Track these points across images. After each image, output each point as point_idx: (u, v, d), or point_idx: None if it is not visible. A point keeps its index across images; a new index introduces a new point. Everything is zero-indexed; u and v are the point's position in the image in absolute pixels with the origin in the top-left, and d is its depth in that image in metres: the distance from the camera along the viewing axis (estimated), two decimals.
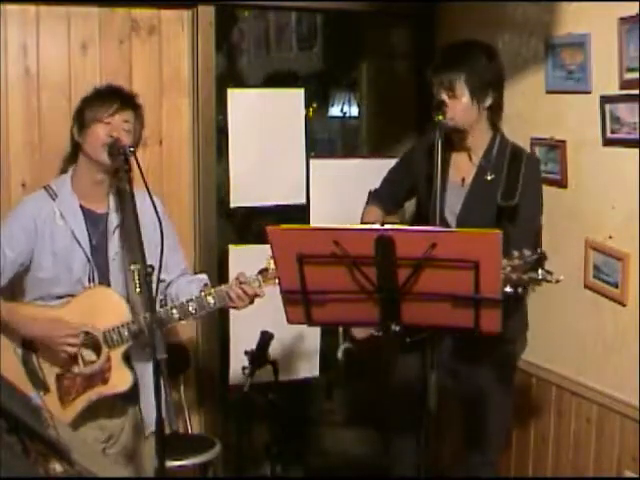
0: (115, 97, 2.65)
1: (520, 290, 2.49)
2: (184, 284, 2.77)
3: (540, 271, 2.40)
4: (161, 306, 2.62)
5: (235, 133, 3.43)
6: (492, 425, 2.94)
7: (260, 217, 3.66)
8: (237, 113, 3.42)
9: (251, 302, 2.66)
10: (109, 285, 2.65)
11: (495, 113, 2.84)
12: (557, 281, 2.44)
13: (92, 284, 2.64)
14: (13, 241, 2.60)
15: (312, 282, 2.20)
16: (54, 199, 2.65)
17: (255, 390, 2.96)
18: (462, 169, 2.86)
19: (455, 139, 2.83)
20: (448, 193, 2.82)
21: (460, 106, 2.72)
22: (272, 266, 2.42)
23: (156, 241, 2.36)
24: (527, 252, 2.42)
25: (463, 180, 2.86)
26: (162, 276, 2.76)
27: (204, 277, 2.83)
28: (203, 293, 2.63)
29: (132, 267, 2.53)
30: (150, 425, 2.46)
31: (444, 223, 2.76)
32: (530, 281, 2.44)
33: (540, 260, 2.41)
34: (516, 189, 2.74)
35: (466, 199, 2.82)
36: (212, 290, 2.64)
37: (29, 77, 3.13)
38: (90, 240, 2.65)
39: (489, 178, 2.79)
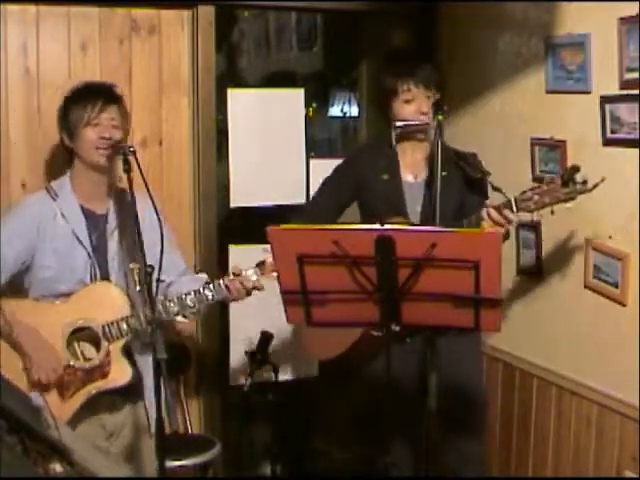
0: (97, 95, 2.63)
1: (535, 218, 2.60)
2: (186, 282, 2.77)
3: (577, 184, 2.52)
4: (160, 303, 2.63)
5: (235, 133, 3.43)
6: (472, 415, 2.96)
7: (260, 217, 3.66)
8: (237, 113, 3.42)
9: (248, 294, 2.67)
10: None
11: None
12: (595, 186, 2.54)
13: (94, 282, 2.65)
14: (14, 240, 2.59)
15: (312, 282, 2.20)
16: (55, 199, 2.66)
17: (255, 390, 2.97)
18: (413, 167, 2.94)
19: (409, 137, 2.89)
20: (405, 192, 2.90)
21: (428, 104, 2.83)
22: (270, 259, 2.43)
23: (154, 242, 2.37)
24: (555, 174, 2.57)
25: (416, 177, 2.94)
26: (162, 277, 2.78)
27: (205, 276, 2.83)
28: (202, 287, 2.65)
29: (132, 266, 2.54)
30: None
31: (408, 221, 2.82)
32: (569, 195, 2.55)
33: (572, 173, 2.51)
34: (479, 164, 2.87)
35: (426, 195, 2.88)
36: (210, 284, 2.66)
37: (29, 77, 3.13)
38: (90, 240, 2.66)
39: (443, 174, 2.79)
